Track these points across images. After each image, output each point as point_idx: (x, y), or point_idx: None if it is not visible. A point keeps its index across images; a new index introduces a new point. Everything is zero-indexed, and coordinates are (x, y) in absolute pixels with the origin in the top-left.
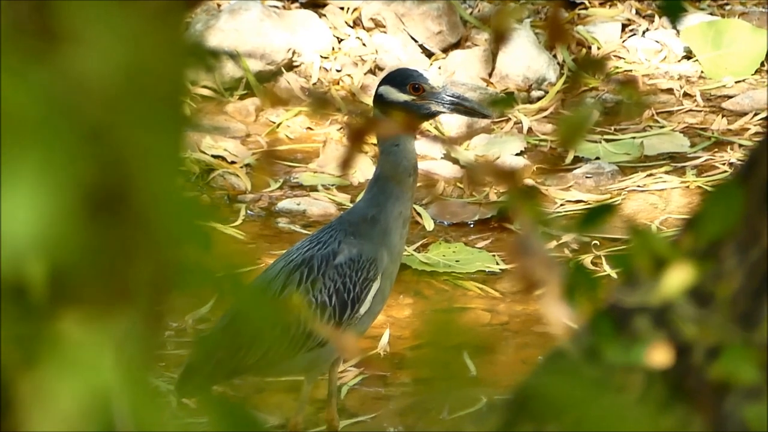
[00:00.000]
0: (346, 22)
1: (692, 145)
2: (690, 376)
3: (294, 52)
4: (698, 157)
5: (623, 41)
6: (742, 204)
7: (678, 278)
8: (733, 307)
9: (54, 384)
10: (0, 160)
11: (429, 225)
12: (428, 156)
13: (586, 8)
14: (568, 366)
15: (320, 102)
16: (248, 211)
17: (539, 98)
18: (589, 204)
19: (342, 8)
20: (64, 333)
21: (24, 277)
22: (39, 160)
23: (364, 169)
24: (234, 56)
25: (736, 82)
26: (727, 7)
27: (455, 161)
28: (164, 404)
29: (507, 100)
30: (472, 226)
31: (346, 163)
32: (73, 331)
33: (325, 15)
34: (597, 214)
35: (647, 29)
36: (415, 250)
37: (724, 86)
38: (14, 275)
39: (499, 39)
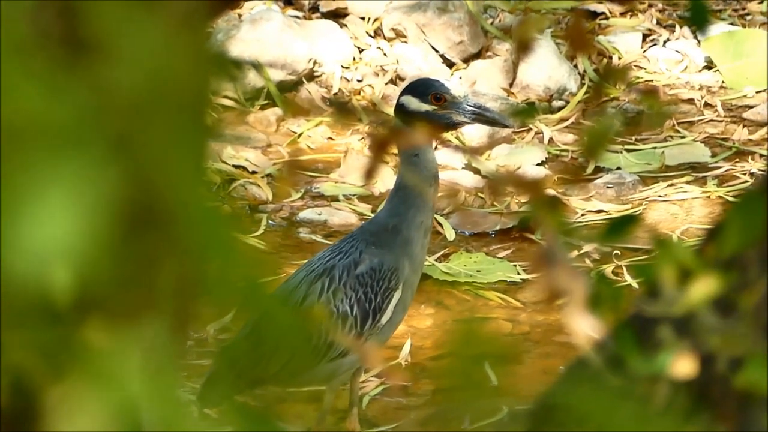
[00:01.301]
0: (367, 32)
1: (713, 155)
2: (714, 386)
3: (315, 62)
4: (719, 167)
5: (644, 51)
6: (766, 215)
7: (702, 289)
8: (756, 317)
9: (81, 394)
10: (9, 169)
11: (450, 235)
12: (449, 166)
13: (606, 18)
14: (591, 376)
15: (342, 112)
16: (269, 221)
17: (560, 108)
18: (611, 214)
19: (363, 18)
20: (91, 342)
21: (51, 286)
22: (68, 168)
23: (385, 179)
24: (256, 66)
25: (757, 92)
26: (748, 18)
27: (476, 171)
28: (191, 415)
29: (529, 110)
30: (493, 235)
31: (369, 174)
32: (99, 340)
33: (346, 25)
34: (621, 225)
35: (668, 39)
36: (436, 260)
37: (745, 96)
38: (41, 284)
39: (522, 50)
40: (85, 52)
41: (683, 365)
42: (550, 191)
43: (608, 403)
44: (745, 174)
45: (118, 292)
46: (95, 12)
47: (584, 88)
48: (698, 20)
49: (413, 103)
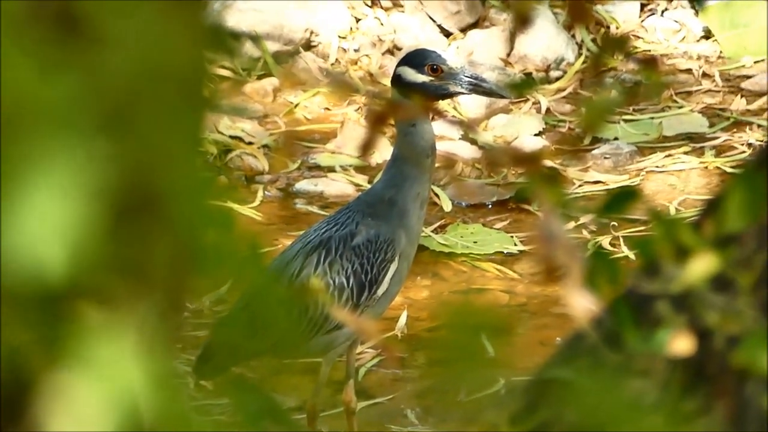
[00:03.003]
0: (364, 2)
1: (711, 126)
2: (711, 362)
3: (312, 32)
4: (717, 138)
5: (642, 21)
6: (766, 191)
7: (701, 266)
8: (755, 293)
9: (76, 377)
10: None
11: (447, 206)
12: (446, 136)
13: None
14: (588, 350)
15: (338, 83)
16: (266, 192)
17: (558, 78)
18: (608, 185)
19: None
20: (85, 324)
21: (45, 269)
22: (61, 150)
23: (382, 150)
24: (252, 37)
25: (755, 62)
26: None
27: (473, 142)
28: (185, 397)
29: (527, 82)
30: (490, 207)
31: (366, 147)
32: (94, 322)
33: None
34: (620, 199)
35: (666, 9)
36: (432, 231)
37: (743, 66)
38: (35, 267)
39: (521, 21)
40: (79, 31)
41: (681, 342)
42: (548, 162)
43: (605, 379)
44: (742, 144)
45: (113, 273)
46: None
47: (582, 58)
48: None
49: (410, 73)
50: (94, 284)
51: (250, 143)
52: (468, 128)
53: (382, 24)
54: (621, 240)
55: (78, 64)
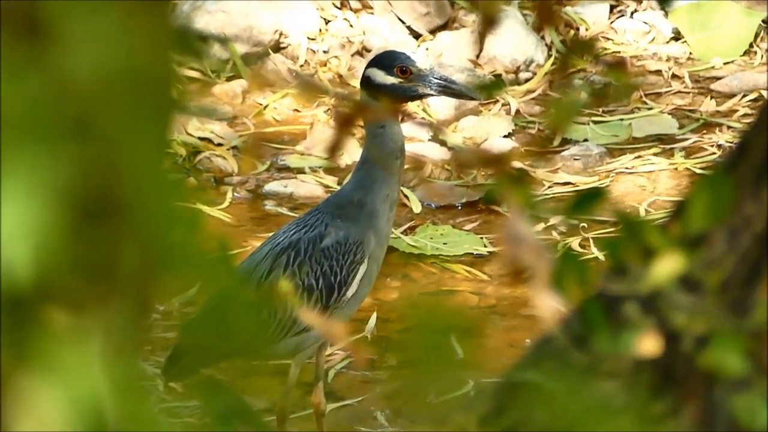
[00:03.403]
0: (333, 3)
1: (681, 127)
2: (679, 364)
3: (281, 34)
4: (687, 139)
5: (611, 22)
6: (732, 193)
7: (668, 266)
8: (723, 294)
9: (40, 385)
10: None
11: (416, 207)
12: (415, 138)
13: None
14: (557, 352)
15: (307, 85)
16: (235, 194)
17: (527, 80)
18: (577, 186)
19: None
20: (51, 330)
21: (11, 275)
22: (26, 157)
23: (351, 152)
24: (221, 39)
25: (724, 64)
26: None
27: (443, 143)
28: (153, 404)
29: (496, 84)
30: (459, 208)
31: (333, 149)
32: (60, 327)
33: None
34: (587, 200)
35: (635, 10)
36: (402, 233)
37: (712, 68)
38: (2, 274)
39: (488, 23)
40: (44, 33)
41: (649, 344)
42: (517, 164)
43: (573, 381)
44: (712, 146)
45: (79, 278)
46: None
47: (551, 60)
48: None
49: (379, 75)
50: (60, 287)
51: (219, 145)
52: (437, 130)
53: (351, 25)
54: (591, 241)
55: (44, 67)
